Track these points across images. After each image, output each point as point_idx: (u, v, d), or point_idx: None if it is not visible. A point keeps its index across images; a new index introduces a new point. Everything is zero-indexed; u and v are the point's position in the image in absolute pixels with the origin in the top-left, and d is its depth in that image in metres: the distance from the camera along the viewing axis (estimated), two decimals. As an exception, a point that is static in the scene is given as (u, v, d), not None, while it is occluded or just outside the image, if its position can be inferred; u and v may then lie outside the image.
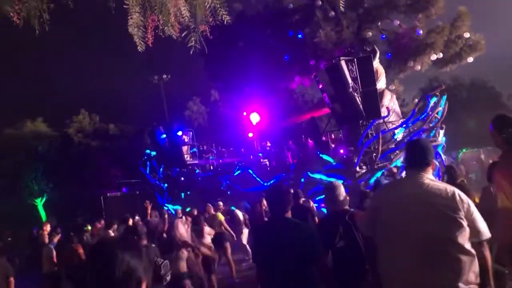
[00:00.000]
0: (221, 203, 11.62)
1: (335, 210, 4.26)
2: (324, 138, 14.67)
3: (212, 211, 10.43)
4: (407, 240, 2.71)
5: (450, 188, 2.79)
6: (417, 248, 2.67)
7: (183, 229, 6.80)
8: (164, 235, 8.38)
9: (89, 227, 12.45)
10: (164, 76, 30.68)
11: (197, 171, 18.08)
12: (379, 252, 2.91)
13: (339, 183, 4.45)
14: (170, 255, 6.04)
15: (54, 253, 8.99)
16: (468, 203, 2.72)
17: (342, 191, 4.27)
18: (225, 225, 10.12)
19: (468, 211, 2.69)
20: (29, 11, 3.70)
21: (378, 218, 2.91)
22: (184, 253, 6.30)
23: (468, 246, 2.64)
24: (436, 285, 2.62)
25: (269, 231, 3.57)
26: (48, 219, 23.10)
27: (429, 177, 2.89)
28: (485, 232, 2.74)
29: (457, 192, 2.77)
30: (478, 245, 2.73)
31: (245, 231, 11.30)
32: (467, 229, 2.66)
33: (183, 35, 4.13)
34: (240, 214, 11.51)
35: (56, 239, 9.59)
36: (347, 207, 4.29)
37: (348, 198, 4.34)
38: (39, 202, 30.04)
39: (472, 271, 2.62)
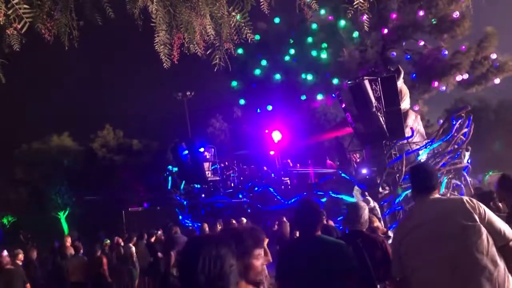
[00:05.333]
0: (244, 219, 11.52)
1: (352, 230, 4.18)
2: (347, 158, 14.53)
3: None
4: (436, 263, 2.67)
5: (458, 198, 2.82)
6: (448, 266, 2.62)
7: None
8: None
9: (108, 241, 12.59)
10: (188, 93, 31.06)
11: (218, 188, 18.08)
12: (412, 283, 2.84)
13: (364, 204, 4.37)
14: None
15: (84, 262, 9.19)
16: (479, 207, 2.69)
17: (366, 213, 4.20)
18: None
19: (482, 215, 2.66)
20: (60, 28, 3.80)
21: (403, 251, 2.88)
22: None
23: (494, 252, 2.59)
24: None
25: (301, 250, 3.41)
26: (70, 233, 23.44)
27: (436, 196, 2.92)
28: (509, 232, 2.67)
29: (465, 199, 2.76)
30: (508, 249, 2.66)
31: None
32: (488, 235, 2.61)
33: (207, 52, 4.18)
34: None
35: (81, 251, 9.79)
36: (365, 229, 4.22)
37: (367, 221, 4.26)
38: (62, 215, 30.51)
39: (504, 278, 2.56)
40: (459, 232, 2.63)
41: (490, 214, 2.70)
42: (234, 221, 11.31)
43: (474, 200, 2.76)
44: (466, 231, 2.62)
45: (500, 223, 2.69)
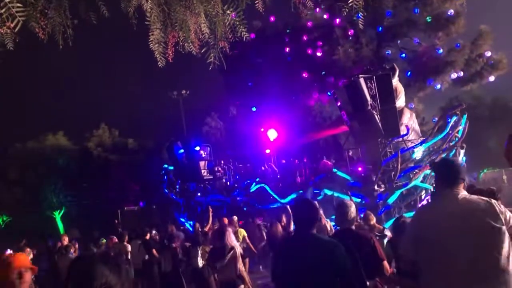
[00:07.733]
0: (235, 218, 11.72)
1: (341, 228, 4.34)
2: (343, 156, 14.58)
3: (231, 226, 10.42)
4: (455, 257, 2.69)
5: (487, 200, 2.80)
6: (466, 264, 2.65)
7: (234, 237, 6.83)
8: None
9: (104, 241, 12.53)
10: (183, 91, 31.00)
11: (214, 186, 18.05)
12: (425, 274, 2.84)
13: (351, 202, 4.49)
14: (222, 262, 6.04)
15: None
16: (506, 212, 2.74)
17: (352, 210, 4.28)
18: (247, 240, 10.56)
19: (507, 220, 2.71)
20: (54, 27, 3.78)
21: (420, 241, 2.87)
22: (236, 260, 6.26)
23: None
24: None
25: (294, 248, 3.40)
26: (70, 231, 23.33)
27: (464, 193, 2.90)
28: None
29: (494, 202, 2.80)
30: None
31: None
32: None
33: (202, 51, 4.18)
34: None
35: (72, 250, 9.74)
36: (353, 226, 4.37)
37: (355, 218, 4.41)
38: (57, 215, 30.39)
39: None
40: (485, 230, 2.66)
41: None
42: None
43: (502, 205, 2.79)
44: (492, 231, 2.65)
45: None
